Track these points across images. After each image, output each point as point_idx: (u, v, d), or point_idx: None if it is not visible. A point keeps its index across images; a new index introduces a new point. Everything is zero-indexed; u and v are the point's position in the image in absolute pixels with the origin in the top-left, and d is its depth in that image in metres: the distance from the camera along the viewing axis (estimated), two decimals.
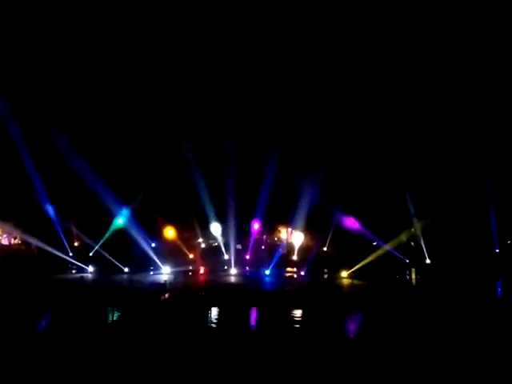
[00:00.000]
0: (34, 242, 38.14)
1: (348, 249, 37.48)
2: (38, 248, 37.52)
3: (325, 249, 41.82)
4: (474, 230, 39.26)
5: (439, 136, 40.10)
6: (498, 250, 41.60)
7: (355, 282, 30.33)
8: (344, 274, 32.87)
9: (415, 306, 22.01)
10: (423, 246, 40.57)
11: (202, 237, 43.43)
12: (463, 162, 40.27)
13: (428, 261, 40.12)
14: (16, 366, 12.16)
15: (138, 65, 38.41)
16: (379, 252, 36.06)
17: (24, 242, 40.69)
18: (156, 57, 38.37)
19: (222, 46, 38.62)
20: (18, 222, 39.03)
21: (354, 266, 33.12)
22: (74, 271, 34.60)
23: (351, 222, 39.50)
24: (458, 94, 38.85)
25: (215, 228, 41.67)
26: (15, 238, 41.60)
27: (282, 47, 39.09)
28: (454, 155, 40.30)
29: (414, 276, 35.98)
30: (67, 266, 35.43)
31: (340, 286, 29.10)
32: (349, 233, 39.08)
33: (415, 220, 40.96)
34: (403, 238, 39.83)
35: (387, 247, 37.62)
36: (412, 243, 42.08)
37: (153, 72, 38.82)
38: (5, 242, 41.55)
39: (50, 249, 36.76)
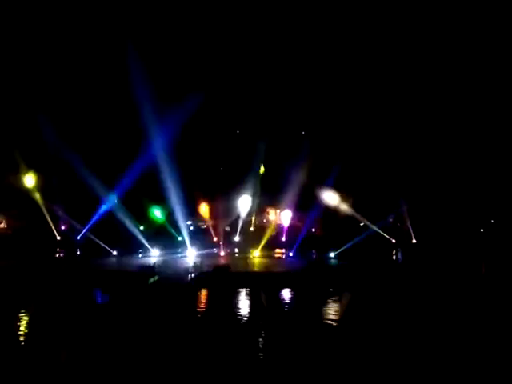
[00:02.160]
0: (21, 226, 37.78)
1: (336, 230, 37.87)
2: (25, 232, 37.20)
3: (313, 230, 42.15)
4: (459, 211, 39.93)
5: (425, 121, 40.47)
6: (482, 230, 42.51)
7: (343, 262, 30.72)
8: (332, 254, 33.26)
9: (401, 284, 22.48)
10: (409, 226, 41.17)
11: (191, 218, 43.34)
12: (448, 144, 40.69)
13: (414, 240, 40.79)
14: None
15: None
16: (366, 232, 36.56)
17: (10, 227, 40.33)
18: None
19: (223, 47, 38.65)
20: (4, 207, 38.59)
21: (342, 246, 33.52)
22: (61, 255, 34.43)
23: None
24: (446, 88, 39.43)
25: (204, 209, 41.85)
26: (1, 223, 41.18)
27: (283, 48, 39.35)
28: (439, 139, 40.70)
29: (400, 255, 36.59)
30: (55, 250, 35.25)
31: (328, 266, 29.44)
32: (336, 214, 39.43)
33: (401, 201, 41.41)
34: (390, 218, 40.37)
35: (374, 228, 38.18)
36: (398, 223, 42.67)
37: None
38: None
39: (37, 233, 36.50)
